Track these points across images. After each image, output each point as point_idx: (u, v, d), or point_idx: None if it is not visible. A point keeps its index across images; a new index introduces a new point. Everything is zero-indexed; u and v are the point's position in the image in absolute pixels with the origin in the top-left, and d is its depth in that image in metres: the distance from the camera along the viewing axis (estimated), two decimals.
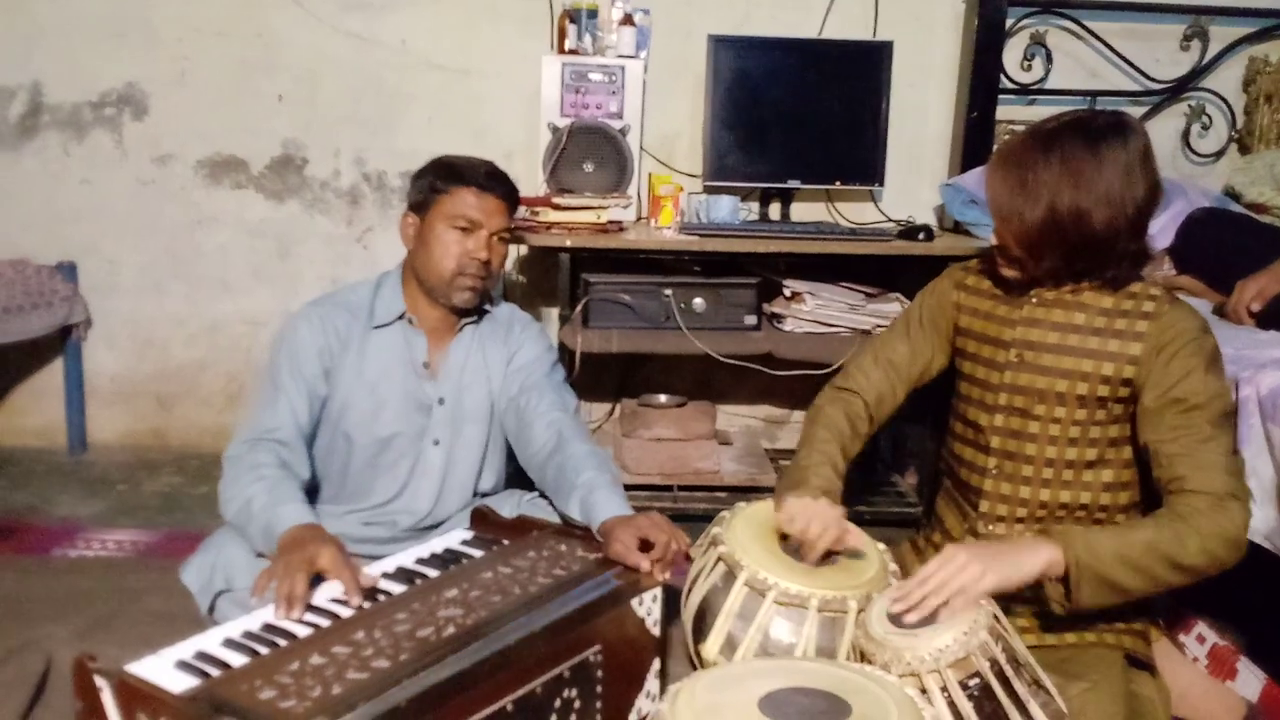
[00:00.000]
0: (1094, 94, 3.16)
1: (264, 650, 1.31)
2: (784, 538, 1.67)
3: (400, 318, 1.93)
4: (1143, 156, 1.57)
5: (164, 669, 1.27)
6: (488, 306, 2.01)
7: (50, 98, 3.12)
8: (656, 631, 1.56)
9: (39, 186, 3.16)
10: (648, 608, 1.54)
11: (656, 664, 1.58)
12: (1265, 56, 3.21)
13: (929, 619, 1.42)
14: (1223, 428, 1.56)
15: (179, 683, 1.23)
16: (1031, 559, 1.47)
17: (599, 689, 1.44)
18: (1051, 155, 1.56)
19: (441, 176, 1.90)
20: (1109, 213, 1.54)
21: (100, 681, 1.23)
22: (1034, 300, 1.68)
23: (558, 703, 1.36)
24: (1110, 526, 1.57)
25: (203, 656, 1.30)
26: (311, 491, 1.87)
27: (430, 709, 1.20)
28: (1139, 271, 1.63)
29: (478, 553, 1.67)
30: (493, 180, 1.91)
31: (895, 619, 1.45)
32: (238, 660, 1.29)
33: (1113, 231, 1.56)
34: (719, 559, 1.64)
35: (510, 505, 1.92)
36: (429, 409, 1.93)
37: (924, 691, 1.34)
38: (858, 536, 1.71)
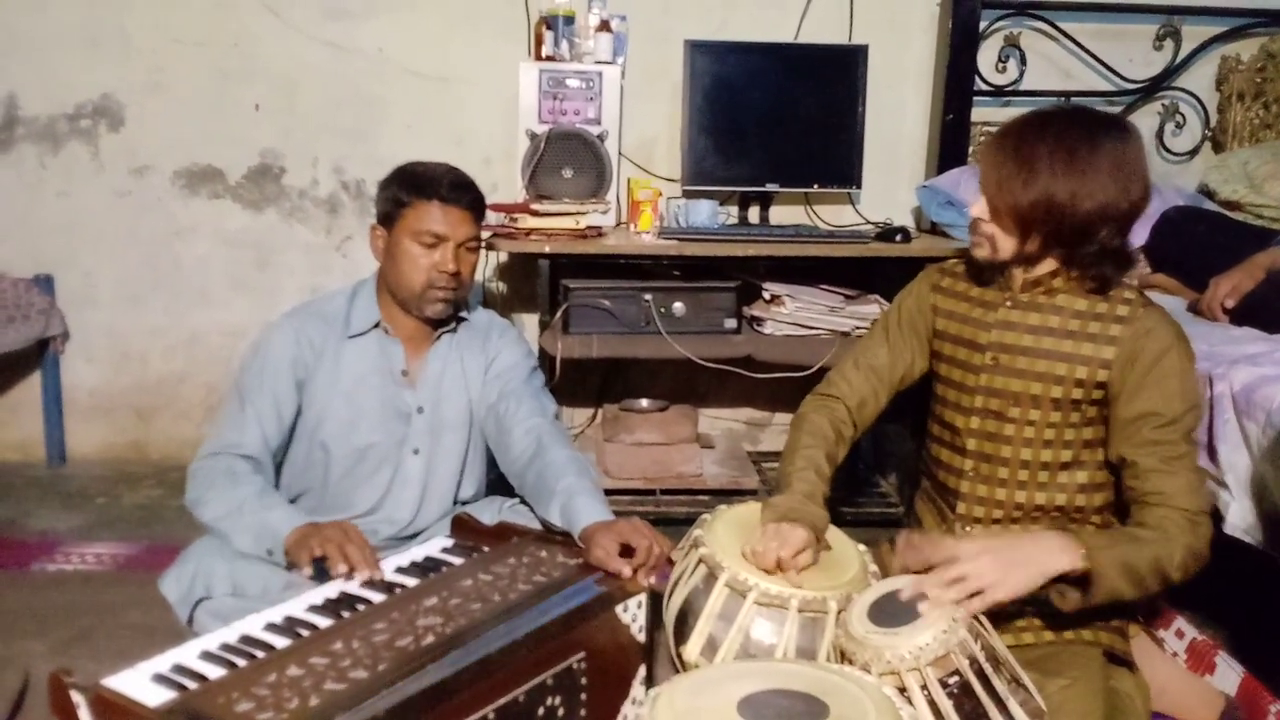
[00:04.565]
0: (1068, 94, 3.18)
1: (241, 662, 1.31)
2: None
3: (376, 326, 1.92)
4: (1137, 158, 1.59)
5: (141, 683, 1.26)
6: (465, 314, 1.99)
7: (26, 110, 3.10)
8: (642, 638, 1.55)
9: (15, 199, 3.14)
10: (632, 614, 1.53)
11: (642, 670, 1.57)
12: (1237, 55, 3.24)
13: (910, 617, 1.43)
14: (1192, 441, 1.60)
15: (156, 696, 1.22)
16: (1051, 562, 1.49)
17: (583, 696, 1.43)
18: (1049, 134, 1.58)
19: (405, 189, 1.87)
20: (1101, 200, 1.56)
21: (76, 696, 1.23)
22: (1009, 303, 1.69)
23: (541, 711, 1.35)
24: (1118, 533, 1.59)
25: (180, 669, 1.29)
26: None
27: (410, 719, 1.20)
28: (1121, 275, 1.64)
29: (458, 560, 1.67)
30: (456, 191, 1.87)
31: (876, 617, 1.46)
32: (215, 673, 1.28)
33: (1101, 220, 1.57)
34: (700, 561, 1.64)
35: (491, 512, 1.92)
36: (408, 417, 1.92)
37: (904, 690, 1.35)
38: (836, 537, 1.72)
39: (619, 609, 1.51)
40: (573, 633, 1.42)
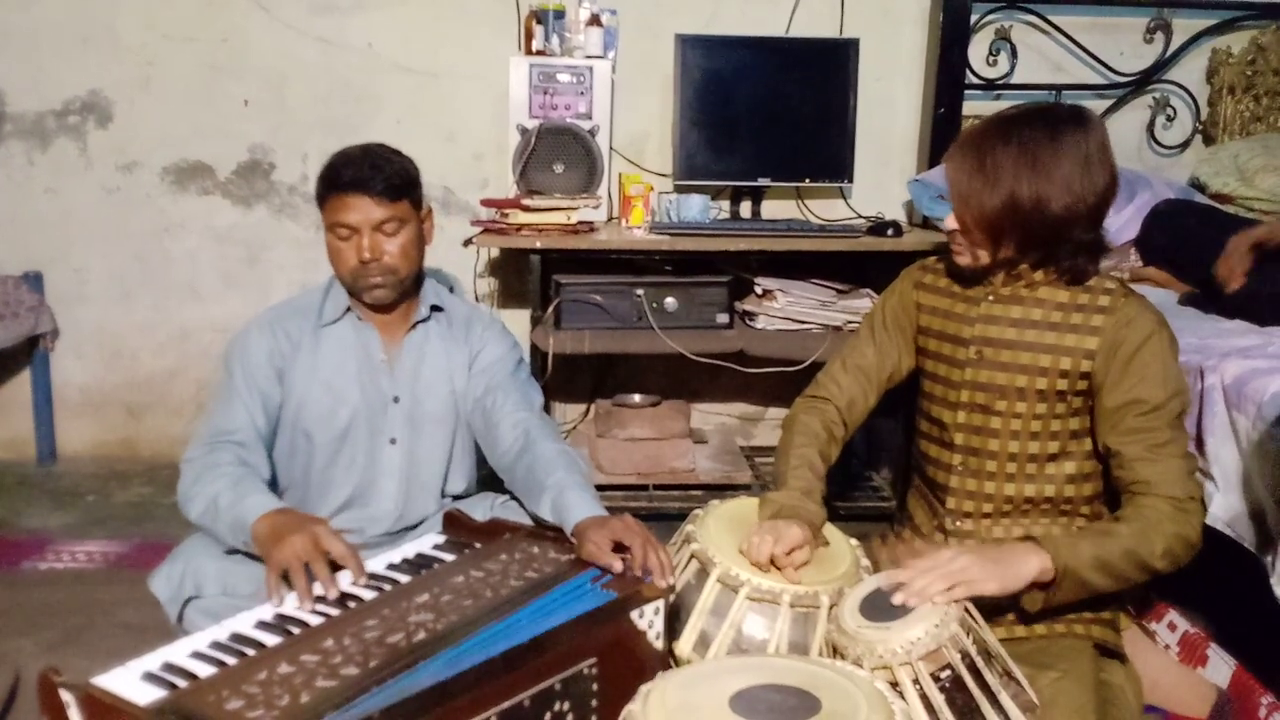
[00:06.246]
0: (1059, 88, 3.18)
1: (232, 660, 1.30)
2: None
3: (347, 312, 1.92)
4: (1101, 148, 1.58)
5: (131, 681, 1.25)
6: (439, 304, 1.97)
7: (13, 107, 3.09)
8: (660, 644, 1.50)
9: (3, 196, 3.13)
10: (649, 620, 1.48)
11: None
12: (1227, 48, 3.25)
13: (902, 611, 1.43)
14: (1179, 428, 1.60)
15: (146, 695, 1.22)
16: (1026, 568, 1.51)
17: (594, 703, 1.38)
18: (1010, 139, 1.58)
19: (321, 182, 1.87)
20: (1068, 199, 1.56)
21: (66, 696, 1.22)
22: (991, 297, 1.69)
23: (548, 716, 1.31)
24: (1088, 530, 1.60)
25: (170, 668, 1.29)
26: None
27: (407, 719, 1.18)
28: (1096, 265, 1.64)
29: (449, 556, 1.66)
30: (358, 179, 1.81)
31: (868, 612, 1.46)
32: (205, 671, 1.28)
33: (1071, 218, 1.57)
34: (692, 556, 1.64)
35: (483, 508, 1.91)
36: (385, 405, 1.91)
37: (896, 684, 1.35)
38: (829, 531, 1.72)
39: (634, 614, 1.46)
40: (584, 637, 1.38)
